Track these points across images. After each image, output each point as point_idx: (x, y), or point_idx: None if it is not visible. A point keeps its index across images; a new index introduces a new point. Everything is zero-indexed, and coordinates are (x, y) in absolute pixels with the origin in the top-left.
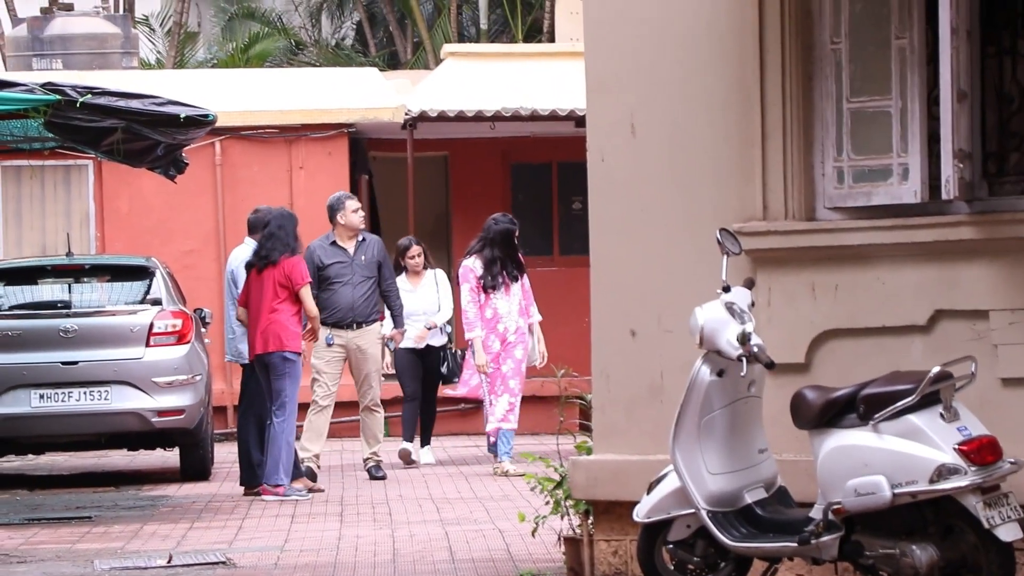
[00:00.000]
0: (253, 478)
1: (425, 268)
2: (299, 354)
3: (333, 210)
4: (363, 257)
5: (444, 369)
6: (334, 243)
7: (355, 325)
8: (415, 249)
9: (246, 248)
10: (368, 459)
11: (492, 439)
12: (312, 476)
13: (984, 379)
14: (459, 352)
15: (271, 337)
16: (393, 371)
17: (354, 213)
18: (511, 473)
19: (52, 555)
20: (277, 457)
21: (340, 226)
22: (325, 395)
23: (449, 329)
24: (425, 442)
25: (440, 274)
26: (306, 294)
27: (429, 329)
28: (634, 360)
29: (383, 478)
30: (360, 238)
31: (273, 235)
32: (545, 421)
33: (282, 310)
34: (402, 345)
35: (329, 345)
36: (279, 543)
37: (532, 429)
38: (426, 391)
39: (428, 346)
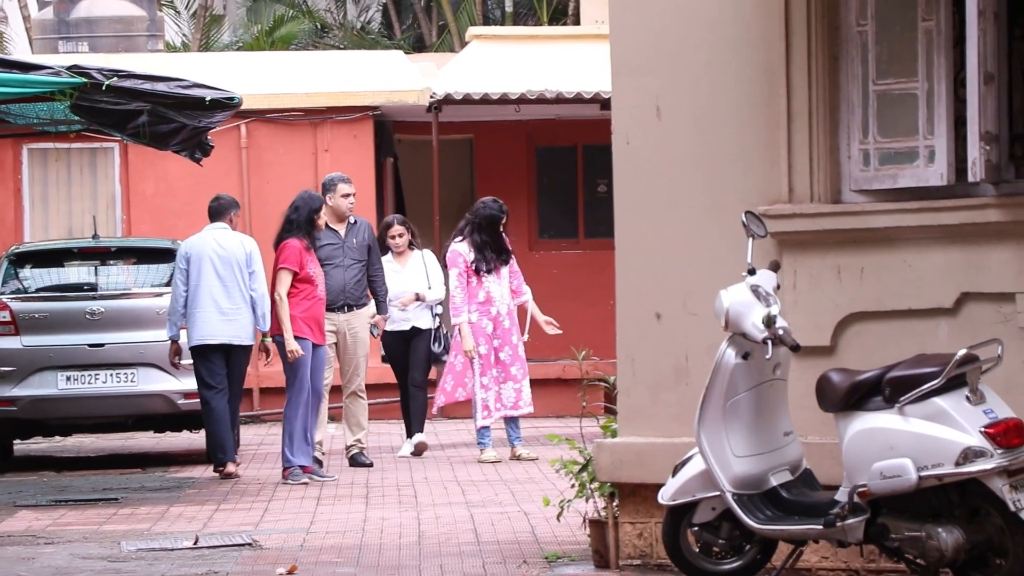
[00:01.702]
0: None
1: (412, 248)
2: (296, 337)
3: (324, 190)
4: (354, 240)
5: (436, 348)
6: (325, 224)
7: (346, 308)
8: (397, 228)
9: (199, 236)
10: (352, 446)
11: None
12: (318, 464)
13: (1010, 362)
14: (448, 332)
15: (272, 321)
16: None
17: (343, 198)
18: (525, 457)
19: (79, 536)
20: (285, 440)
21: (328, 208)
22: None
23: (440, 310)
24: (418, 430)
25: (428, 254)
26: (281, 277)
27: (418, 298)
28: (659, 343)
29: (370, 465)
30: (351, 220)
31: (289, 218)
32: (569, 404)
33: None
34: (388, 328)
35: None
36: (305, 525)
37: (557, 412)
38: (413, 373)
39: (415, 328)
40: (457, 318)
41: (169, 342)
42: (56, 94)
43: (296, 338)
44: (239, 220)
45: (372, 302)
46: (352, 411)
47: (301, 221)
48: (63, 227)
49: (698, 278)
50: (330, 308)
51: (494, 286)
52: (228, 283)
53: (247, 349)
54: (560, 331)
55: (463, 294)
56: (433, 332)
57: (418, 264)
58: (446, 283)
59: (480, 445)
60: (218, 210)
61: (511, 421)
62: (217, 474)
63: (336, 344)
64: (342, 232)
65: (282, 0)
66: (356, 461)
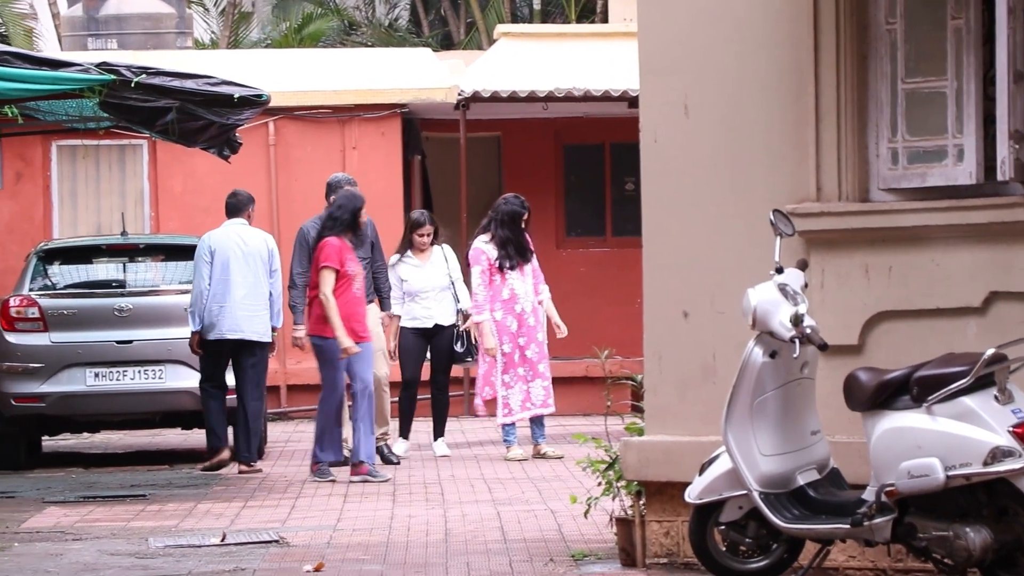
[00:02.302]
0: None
1: (433, 244)
2: (324, 337)
3: (330, 189)
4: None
5: (459, 347)
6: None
7: None
8: (427, 228)
9: (222, 231)
10: (377, 439)
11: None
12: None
13: None
14: (467, 334)
15: (313, 320)
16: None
17: None
18: (550, 455)
19: (107, 533)
20: (315, 438)
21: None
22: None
23: (461, 306)
24: (439, 434)
25: (448, 249)
26: (324, 277)
27: (466, 318)
28: (686, 341)
29: (397, 463)
30: None
31: (331, 215)
32: (595, 402)
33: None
34: (409, 325)
35: None
36: (332, 522)
37: (583, 410)
38: (436, 375)
39: (437, 325)
40: (479, 315)
41: (191, 334)
42: (85, 91)
43: (326, 337)
44: (265, 215)
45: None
46: (376, 405)
47: (344, 219)
48: (92, 224)
49: (725, 277)
50: None
51: (518, 283)
52: (250, 280)
53: (266, 346)
54: (565, 335)
55: (486, 292)
56: (456, 332)
57: (439, 259)
58: (465, 280)
59: (506, 443)
60: (236, 206)
61: (537, 419)
62: (204, 469)
63: None
64: None
65: None
66: (380, 454)
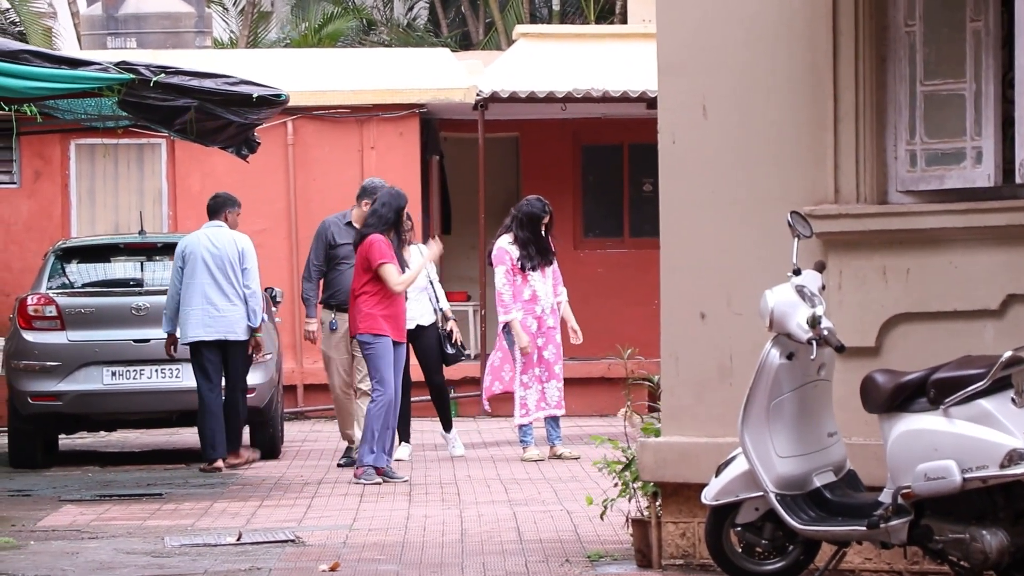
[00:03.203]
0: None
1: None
2: (376, 335)
3: (363, 193)
4: None
5: (449, 349)
6: (350, 223)
7: None
8: (408, 224)
9: (194, 234)
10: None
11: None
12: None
13: None
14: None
15: (352, 322)
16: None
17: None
18: (566, 456)
19: (123, 531)
20: (363, 439)
21: (360, 212)
22: (341, 383)
23: (442, 305)
24: (447, 426)
25: (424, 248)
26: (387, 271)
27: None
28: (704, 342)
29: None
30: None
31: (375, 212)
32: (613, 403)
33: (365, 292)
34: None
35: (333, 330)
36: (348, 522)
37: (600, 410)
38: (430, 375)
39: (419, 326)
40: (506, 315)
41: (165, 335)
42: (104, 90)
43: (376, 335)
44: (283, 214)
45: None
46: (360, 411)
47: (388, 217)
48: (110, 223)
49: (743, 278)
50: (343, 308)
51: (539, 284)
52: (220, 281)
53: (243, 344)
54: (580, 341)
55: (511, 291)
56: (444, 335)
57: (416, 259)
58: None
59: (523, 443)
60: (214, 208)
61: (552, 419)
62: (203, 471)
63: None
64: None
65: None
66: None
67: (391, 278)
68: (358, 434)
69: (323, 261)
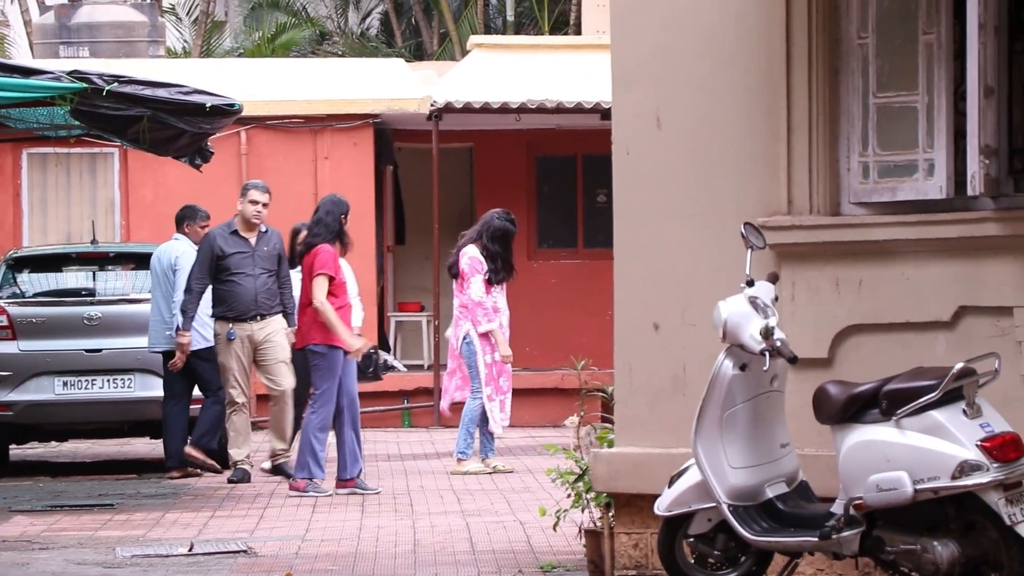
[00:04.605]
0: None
1: None
2: (331, 346)
3: (240, 195)
4: (264, 249)
5: (370, 367)
6: (235, 232)
7: (259, 317)
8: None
9: (174, 243)
10: (278, 455)
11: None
12: (245, 478)
13: (1007, 376)
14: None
15: (300, 333)
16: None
17: (252, 204)
18: (500, 469)
19: (74, 542)
20: (303, 451)
21: (240, 213)
22: (239, 394)
23: (357, 324)
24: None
25: (345, 262)
26: (318, 283)
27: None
28: (657, 353)
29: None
30: (262, 229)
31: (320, 221)
32: (566, 413)
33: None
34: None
35: (231, 340)
36: (300, 532)
37: (554, 421)
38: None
39: None
40: (490, 324)
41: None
42: (56, 99)
43: (331, 346)
44: None
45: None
46: (278, 419)
47: (332, 225)
48: (62, 232)
49: (696, 289)
50: (240, 319)
51: (500, 298)
52: (165, 293)
53: (204, 351)
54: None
55: (488, 300)
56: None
57: (349, 274)
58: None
59: (484, 454)
60: (177, 221)
61: (489, 433)
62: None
63: (250, 354)
64: (252, 241)
65: (283, 7)
66: (280, 470)
67: (319, 291)
68: (278, 442)
69: (207, 274)
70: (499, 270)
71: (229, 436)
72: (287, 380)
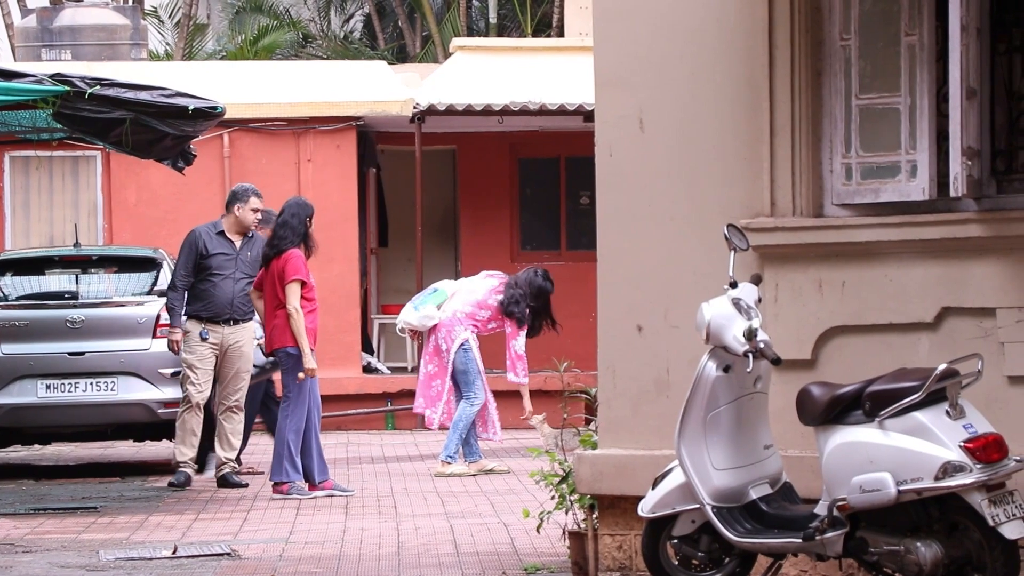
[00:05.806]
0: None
1: None
2: (299, 348)
3: (235, 198)
4: (248, 254)
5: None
6: (221, 233)
7: (232, 321)
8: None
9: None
10: (223, 465)
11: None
12: (187, 482)
13: (991, 377)
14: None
15: (271, 336)
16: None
17: (253, 212)
18: (496, 470)
19: (58, 545)
20: (280, 453)
21: (234, 218)
22: (197, 392)
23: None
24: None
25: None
26: (292, 290)
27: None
28: (640, 355)
29: (245, 486)
30: (248, 234)
31: (286, 223)
32: (550, 416)
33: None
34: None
35: (204, 340)
36: (284, 535)
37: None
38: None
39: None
40: (527, 377)
41: None
42: (38, 102)
43: (292, 348)
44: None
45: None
46: (226, 428)
47: (298, 228)
48: (44, 235)
49: (680, 291)
50: (214, 320)
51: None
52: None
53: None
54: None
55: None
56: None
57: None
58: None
59: (473, 458)
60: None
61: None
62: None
63: (216, 357)
64: (238, 245)
65: (265, 10)
66: (227, 481)
67: (292, 298)
68: (224, 452)
69: (191, 271)
70: (537, 328)
71: (176, 435)
72: (240, 392)
